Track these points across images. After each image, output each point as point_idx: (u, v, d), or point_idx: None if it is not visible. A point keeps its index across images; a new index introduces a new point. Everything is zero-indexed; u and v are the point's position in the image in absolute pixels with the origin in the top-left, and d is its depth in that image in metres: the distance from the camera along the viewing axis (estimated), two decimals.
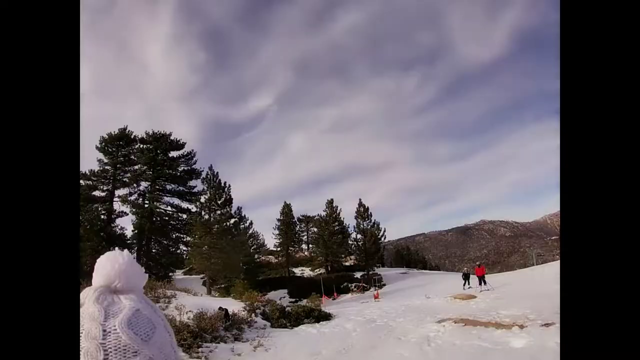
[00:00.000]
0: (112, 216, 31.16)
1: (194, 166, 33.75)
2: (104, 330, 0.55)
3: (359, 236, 33.07)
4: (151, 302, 0.65)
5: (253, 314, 11.48)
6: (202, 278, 28.06)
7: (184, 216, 32.43)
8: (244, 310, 11.61)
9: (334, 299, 23.87)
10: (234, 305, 12.00)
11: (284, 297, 24.74)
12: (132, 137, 32.71)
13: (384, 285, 26.17)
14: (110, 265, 0.62)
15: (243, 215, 28.71)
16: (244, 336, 9.43)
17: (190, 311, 10.18)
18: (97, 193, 31.71)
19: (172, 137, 33.13)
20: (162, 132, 33.01)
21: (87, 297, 0.59)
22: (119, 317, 0.57)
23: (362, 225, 33.16)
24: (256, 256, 31.76)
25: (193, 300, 12.95)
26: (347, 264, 34.52)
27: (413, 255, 53.65)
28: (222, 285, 25.12)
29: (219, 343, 8.52)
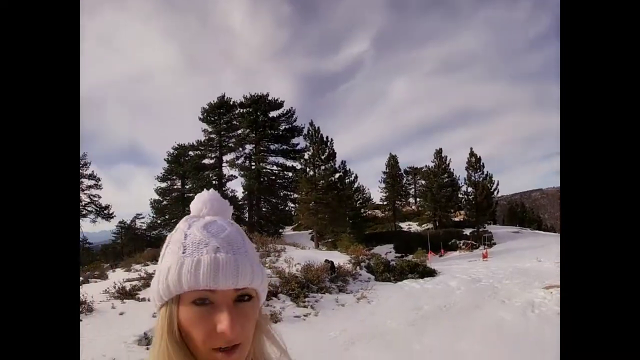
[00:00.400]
0: (223, 180, 34.13)
1: (294, 124, 34.90)
2: (185, 234, 0.68)
3: (469, 189, 30.87)
4: (237, 225, 0.75)
5: (358, 267, 11.80)
6: (309, 233, 29.49)
7: (290, 174, 34.03)
8: (349, 263, 11.97)
9: (441, 255, 23.19)
10: (339, 258, 12.45)
11: (390, 251, 24.83)
12: (232, 103, 34.70)
13: (494, 244, 24.58)
14: (197, 199, 0.77)
15: (347, 169, 28.95)
16: (348, 288, 9.79)
17: (298, 263, 10.91)
18: (206, 161, 34.78)
19: (269, 98, 34.35)
20: (259, 94, 34.41)
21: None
22: (197, 223, 0.70)
23: (473, 178, 30.60)
24: (362, 210, 32.17)
25: (301, 253, 13.89)
26: (456, 219, 33.07)
27: (527, 214, 49.21)
28: (329, 240, 26.04)
29: (324, 294, 8.94)
